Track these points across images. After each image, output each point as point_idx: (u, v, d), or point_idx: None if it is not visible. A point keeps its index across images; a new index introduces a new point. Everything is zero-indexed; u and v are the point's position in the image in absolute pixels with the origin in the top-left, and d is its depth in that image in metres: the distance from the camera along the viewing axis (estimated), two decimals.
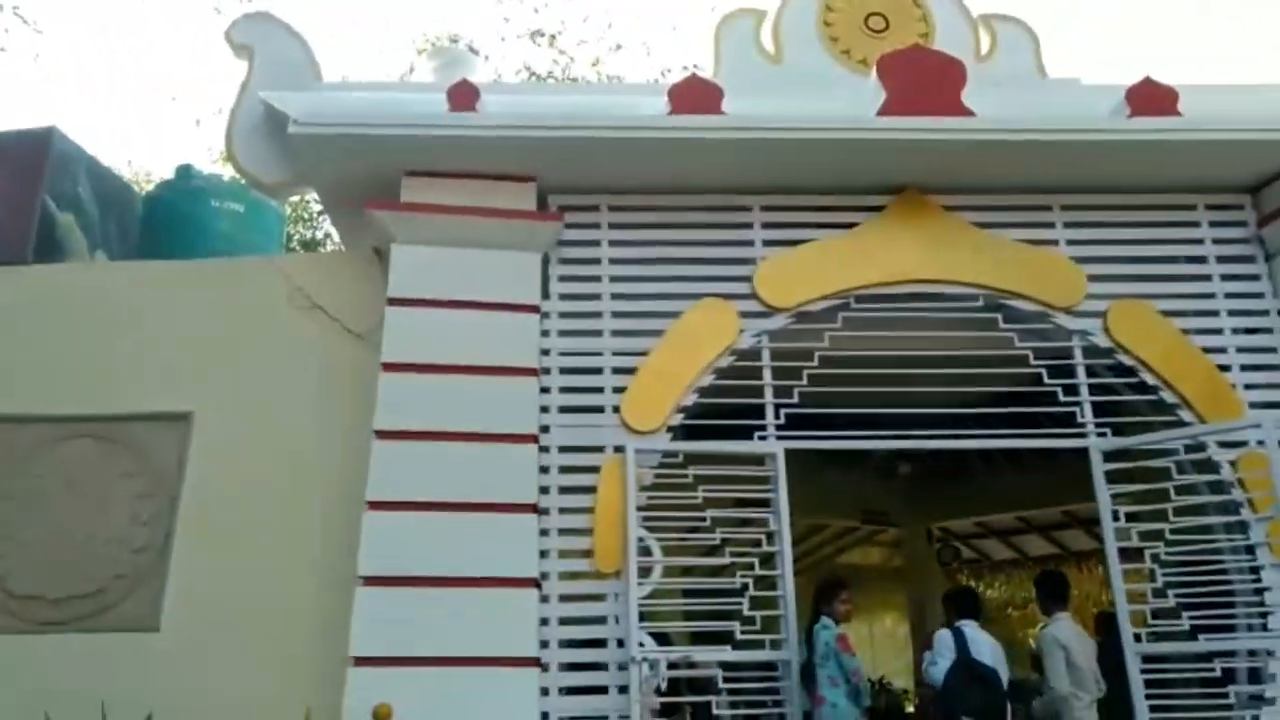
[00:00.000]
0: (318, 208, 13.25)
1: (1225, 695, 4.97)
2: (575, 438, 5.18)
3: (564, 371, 5.29)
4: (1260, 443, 5.00)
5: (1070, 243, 5.64)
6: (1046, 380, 5.43)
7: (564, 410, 5.23)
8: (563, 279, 5.45)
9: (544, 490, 5.04)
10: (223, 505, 5.08)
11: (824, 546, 10.80)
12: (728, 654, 4.94)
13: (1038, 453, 9.44)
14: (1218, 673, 4.90)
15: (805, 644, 4.96)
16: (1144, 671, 4.95)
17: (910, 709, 10.24)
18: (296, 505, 5.11)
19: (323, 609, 4.83)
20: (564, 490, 5.09)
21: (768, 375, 5.38)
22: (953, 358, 5.40)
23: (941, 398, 5.54)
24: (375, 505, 4.77)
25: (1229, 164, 5.52)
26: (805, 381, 5.33)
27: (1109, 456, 5.34)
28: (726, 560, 5.10)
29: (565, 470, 5.12)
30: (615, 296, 5.43)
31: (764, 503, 5.17)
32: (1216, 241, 5.70)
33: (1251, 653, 5.05)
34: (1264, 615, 5.02)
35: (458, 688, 4.51)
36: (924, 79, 5.42)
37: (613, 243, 5.53)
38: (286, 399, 5.34)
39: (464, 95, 5.27)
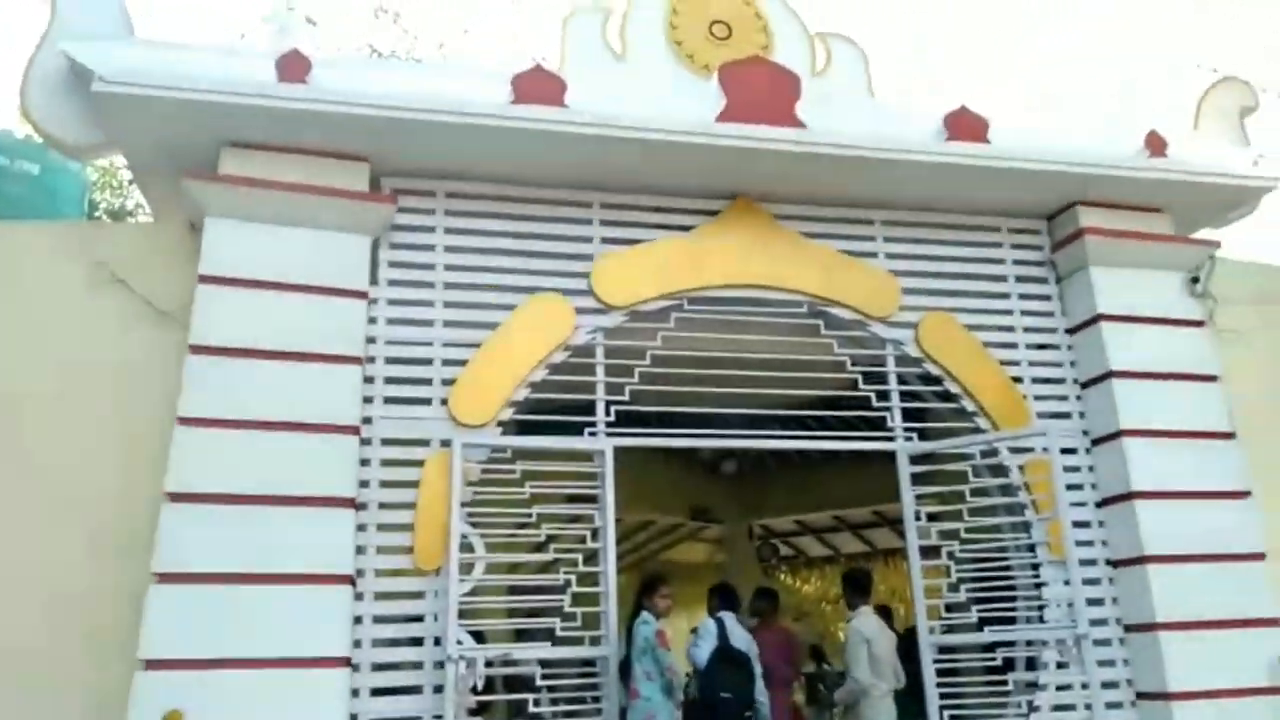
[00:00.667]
0: (129, 174, 12.26)
1: (1005, 683, 5.41)
2: (400, 430, 5.02)
3: (390, 361, 5.11)
4: (1045, 450, 5.45)
5: (889, 256, 5.97)
6: (861, 386, 5.73)
7: (389, 401, 5.05)
8: (393, 265, 5.26)
9: (364, 484, 4.86)
10: None
11: (650, 543, 10.98)
12: (548, 651, 4.92)
13: (852, 455, 9.95)
14: (999, 662, 5.32)
15: (625, 639, 5.01)
16: (936, 661, 5.31)
17: None
18: (86, 496, 4.68)
19: (110, 609, 4.45)
20: (386, 484, 4.92)
21: (600, 372, 5.40)
22: (777, 361, 5.61)
23: (766, 400, 5.74)
24: (175, 497, 4.45)
25: (1028, 192, 5.99)
26: (637, 379, 5.39)
27: (914, 459, 5.70)
28: (551, 557, 5.09)
29: (388, 464, 4.96)
30: (448, 286, 5.30)
31: (591, 499, 5.18)
32: (1016, 263, 6.18)
33: (1029, 643, 5.51)
34: (1040, 609, 5.49)
35: (260, 691, 4.27)
36: (761, 89, 5.58)
37: (448, 230, 5.39)
38: (80, 381, 4.88)
39: (295, 66, 4.99)
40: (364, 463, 4.88)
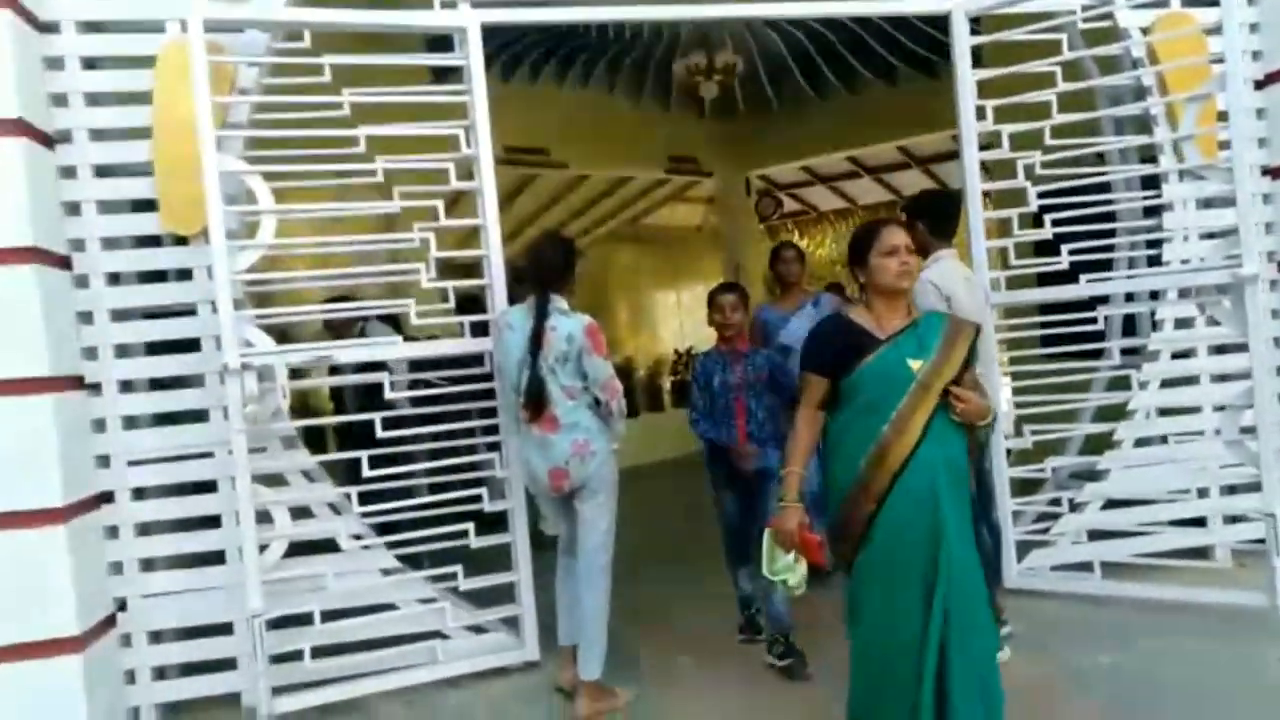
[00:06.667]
0: None
1: (1098, 353, 3.73)
2: (106, 9, 2.98)
3: None
4: None
5: None
6: None
7: None
8: None
9: (59, 101, 2.92)
10: None
11: (624, 209, 9.07)
12: (398, 347, 3.22)
13: (872, 75, 7.77)
14: (1100, 324, 3.56)
15: (533, 340, 3.06)
16: (998, 330, 3.59)
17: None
18: None
19: None
20: (93, 101, 2.97)
21: None
22: None
23: None
24: None
25: None
26: None
27: (976, 25, 3.60)
28: (396, 207, 3.21)
29: (92, 65, 2.98)
30: None
31: (454, 112, 3.22)
32: None
33: (1129, 296, 3.74)
34: (1155, 245, 3.66)
35: None
36: None
37: None
38: None
39: None
40: (52, 65, 2.90)
